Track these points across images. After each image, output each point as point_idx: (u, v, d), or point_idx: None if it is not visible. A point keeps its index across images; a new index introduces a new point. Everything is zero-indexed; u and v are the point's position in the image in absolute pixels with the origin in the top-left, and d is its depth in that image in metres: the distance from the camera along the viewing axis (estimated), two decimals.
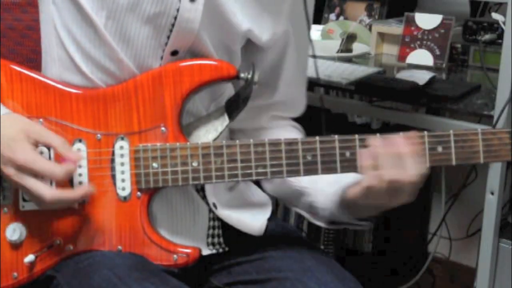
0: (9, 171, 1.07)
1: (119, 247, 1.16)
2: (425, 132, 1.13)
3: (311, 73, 1.53)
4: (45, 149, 1.12)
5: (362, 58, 2.23)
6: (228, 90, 1.29)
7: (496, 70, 1.77)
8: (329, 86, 1.99)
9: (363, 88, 1.93)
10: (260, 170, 1.14)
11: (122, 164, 1.15)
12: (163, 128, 1.15)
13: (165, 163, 1.14)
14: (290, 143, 1.13)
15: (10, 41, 1.33)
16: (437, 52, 2.12)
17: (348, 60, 2.18)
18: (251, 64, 1.23)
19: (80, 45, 1.17)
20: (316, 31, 2.32)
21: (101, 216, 1.15)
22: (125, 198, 1.15)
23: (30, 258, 1.13)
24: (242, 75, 1.17)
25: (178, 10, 1.14)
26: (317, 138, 1.14)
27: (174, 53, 1.17)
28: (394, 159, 1.09)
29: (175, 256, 1.15)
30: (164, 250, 1.16)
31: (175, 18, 1.14)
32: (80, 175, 1.14)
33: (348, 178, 1.18)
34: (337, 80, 1.93)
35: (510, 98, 1.66)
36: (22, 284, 1.15)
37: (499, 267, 1.81)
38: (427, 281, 2.52)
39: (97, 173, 1.15)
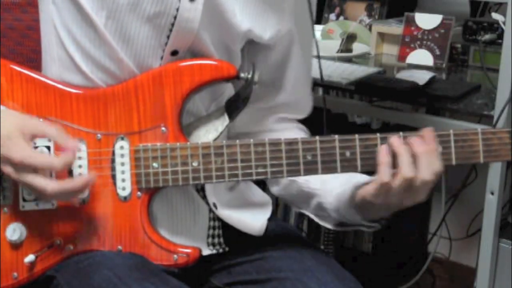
0: (8, 169, 1.07)
1: (119, 247, 1.16)
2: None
3: (314, 74, 1.53)
4: (45, 149, 1.12)
5: (362, 58, 2.23)
6: (228, 90, 1.29)
7: (496, 70, 1.78)
8: (329, 86, 1.99)
9: (363, 88, 1.93)
10: (260, 170, 1.14)
11: (122, 164, 1.15)
12: (163, 128, 1.15)
13: (165, 163, 1.14)
14: (290, 143, 1.13)
15: (10, 41, 1.33)
16: (437, 52, 2.13)
17: (348, 60, 2.18)
18: (251, 64, 1.23)
19: (80, 44, 1.17)
20: (316, 31, 2.32)
21: (101, 216, 1.15)
22: (125, 198, 1.15)
23: (30, 258, 1.13)
24: (242, 75, 1.17)
25: (177, 9, 1.14)
26: (317, 138, 1.14)
27: (174, 53, 1.17)
28: (411, 157, 1.09)
29: (175, 256, 1.15)
30: (164, 250, 1.16)
31: (175, 17, 1.14)
32: (80, 175, 1.14)
33: (360, 178, 1.18)
34: (337, 80, 1.93)
35: (510, 98, 1.66)
36: (22, 284, 1.15)
37: (499, 267, 1.81)
38: (427, 281, 2.52)
39: (97, 173, 1.14)
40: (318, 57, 1.58)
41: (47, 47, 1.21)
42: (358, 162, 1.13)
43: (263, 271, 1.24)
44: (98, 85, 1.17)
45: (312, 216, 1.31)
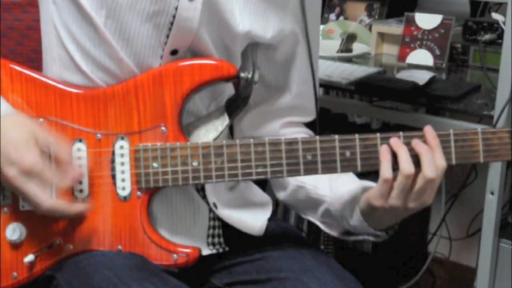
0: (12, 172, 1.06)
1: (119, 247, 1.16)
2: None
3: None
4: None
5: (362, 58, 2.23)
6: (228, 90, 1.29)
7: (496, 70, 1.78)
8: (329, 86, 1.99)
9: (363, 88, 1.93)
10: (260, 169, 1.14)
11: (122, 164, 1.15)
12: (163, 128, 1.15)
13: (165, 162, 1.14)
14: (290, 142, 1.13)
15: (10, 41, 1.34)
16: (437, 52, 2.13)
17: (348, 60, 2.18)
18: (251, 64, 1.22)
19: (80, 44, 1.17)
20: None
21: (101, 216, 1.15)
22: (125, 198, 1.15)
23: (30, 258, 1.13)
24: (242, 74, 1.17)
25: (176, 8, 1.14)
26: (317, 137, 1.14)
27: (174, 52, 1.17)
28: (410, 155, 1.10)
29: (175, 256, 1.15)
30: (164, 250, 1.15)
31: (174, 16, 1.14)
32: (81, 174, 1.14)
33: (369, 183, 1.18)
34: (337, 80, 1.93)
35: (510, 98, 1.66)
36: (22, 284, 1.15)
37: (499, 267, 1.81)
38: (427, 281, 2.52)
39: (97, 173, 1.15)
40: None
41: (47, 47, 1.21)
42: (358, 162, 1.13)
43: (263, 271, 1.23)
44: (98, 84, 1.17)
45: (318, 223, 1.31)
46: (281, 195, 1.34)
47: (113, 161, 1.15)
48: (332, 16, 2.46)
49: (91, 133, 1.15)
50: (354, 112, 2.33)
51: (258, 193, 1.38)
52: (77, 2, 1.14)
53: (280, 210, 2.32)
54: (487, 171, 1.75)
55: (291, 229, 1.50)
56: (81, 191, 1.14)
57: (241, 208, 1.30)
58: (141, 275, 1.10)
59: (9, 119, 1.09)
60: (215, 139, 1.17)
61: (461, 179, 2.14)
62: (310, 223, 2.29)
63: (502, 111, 1.67)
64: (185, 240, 1.21)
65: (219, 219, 1.27)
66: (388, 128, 2.26)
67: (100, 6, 1.13)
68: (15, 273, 1.14)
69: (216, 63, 1.16)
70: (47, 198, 1.07)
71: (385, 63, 2.20)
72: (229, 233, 1.28)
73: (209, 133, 1.18)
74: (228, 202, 1.28)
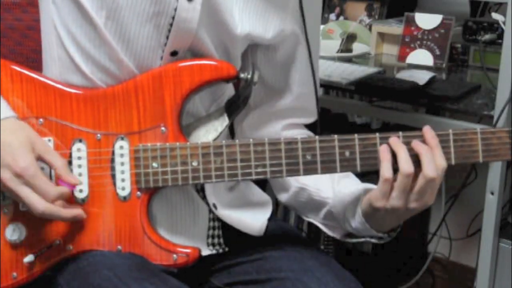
0: (6, 175, 1.06)
1: (119, 247, 1.16)
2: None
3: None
4: (47, 171, 1.12)
5: (362, 58, 2.23)
6: (229, 91, 1.29)
7: (496, 70, 1.78)
8: (329, 86, 1.99)
9: (363, 88, 1.93)
10: (259, 169, 1.14)
11: (122, 164, 1.15)
12: (163, 128, 1.15)
13: (165, 162, 1.14)
14: (290, 142, 1.13)
15: (10, 41, 1.34)
16: (437, 52, 2.13)
17: (348, 60, 2.18)
18: (251, 64, 1.22)
19: (80, 45, 1.17)
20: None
21: (100, 216, 1.15)
22: (125, 198, 1.15)
23: (29, 258, 1.13)
24: (242, 75, 1.17)
25: (175, 9, 1.14)
26: (317, 137, 1.14)
27: (174, 53, 1.17)
28: (410, 155, 1.10)
29: (174, 256, 1.15)
30: (164, 250, 1.16)
31: (173, 18, 1.14)
32: (80, 175, 1.14)
33: (369, 186, 1.18)
34: (337, 80, 1.93)
35: (510, 98, 1.66)
36: (21, 284, 1.15)
37: (499, 267, 1.81)
38: (427, 281, 2.52)
39: (97, 173, 1.15)
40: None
41: (47, 47, 1.21)
42: (358, 162, 1.13)
43: (263, 271, 1.23)
44: (98, 85, 1.17)
45: (320, 226, 1.31)
46: (283, 197, 1.34)
47: (112, 161, 1.15)
48: (332, 16, 2.46)
49: (91, 133, 1.15)
50: (354, 112, 2.33)
51: (258, 193, 1.38)
52: (77, 2, 1.14)
53: (280, 210, 2.32)
54: (487, 171, 1.75)
55: (291, 229, 1.51)
56: (81, 191, 1.14)
57: (241, 208, 1.30)
58: (141, 275, 1.10)
59: (8, 123, 1.09)
60: (215, 139, 1.17)
61: (461, 179, 2.14)
62: (310, 223, 2.29)
63: (502, 111, 1.67)
64: (184, 240, 1.21)
65: (219, 219, 1.27)
66: (388, 128, 2.26)
67: (100, 7, 1.13)
68: (15, 273, 1.14)
69: (215, 63, 1.16)
70: (41, 202, 1.07)
71: (385, 63, 2.20)
72: (229, 233, 1.28)
73: (209, 133, 1.18)
74: (228, 203, 1.28)
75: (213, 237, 1.27)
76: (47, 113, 1.15)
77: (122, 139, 1.15)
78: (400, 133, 1.13)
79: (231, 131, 1.37)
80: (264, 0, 1.22)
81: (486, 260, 1.79)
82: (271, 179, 1.27)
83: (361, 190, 1.20)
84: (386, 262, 2.43)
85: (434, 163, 1.10)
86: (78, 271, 1.13)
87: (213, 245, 1.26)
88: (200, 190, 1.25)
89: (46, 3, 1.19)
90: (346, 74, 1.97)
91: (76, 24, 1.16)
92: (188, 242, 1.21)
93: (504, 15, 1.79)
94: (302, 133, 1.35)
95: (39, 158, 1.09)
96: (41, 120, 1.15)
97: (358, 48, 2.26)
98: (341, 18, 2.44)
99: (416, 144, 1.11)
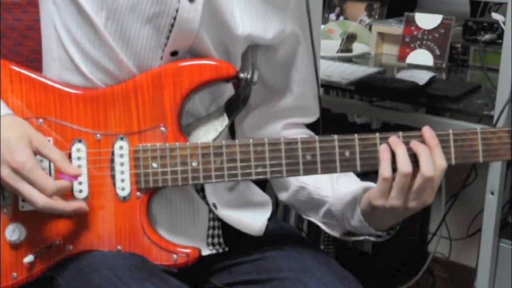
0: (4, 171, 1.06)
1: (119, 247, 1.16)
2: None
3: None
4: (46, 166, 1.12)
5: (362, 58, 2.23)
6: (229, 91, 1.28)
7: (496, 70, 1.78)
8: (329, 86, 1.99)
9: (363, 88, 1.93)
10: (259, 169, 1.14)
11: (122, 164, 1.15)
12: (162, 128, 1.15)
13: (164, 163, 1.14)
14: (290, 142, 1.13)
15: (10, 41, 1.34)
16: (437, 52, 2.13)
17: (348, 60, 2.18)
18: (251, 64, 1.22)
19: (80, 45, 1.17)
20: None
21: (100, 216, 1.15)
22: (124, 198, 1.15)
23: (29, 258, 1.13)
24: (241, 75, 1.16)
25: (177, 10, 1.14)
26: (317, 137, 1.14)
27: (174, 53, 1.17)
28: (408, 155, 1.10)
29: (174, 256, 1.15)
30: (164, 250, 1.15)
31: (174, 18, 1.14)
32: (80, 175, 1.14)
33: (369, 185, 1.19)
34: (337, 80, 1.93)
35: (510, 98, 1.66)
36: (21, 284, 1.15)
37: (499, 267, 1.81)
38: (427, 281, 2.52)
39: (96, 173, 1.15)
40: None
41: (47, 47, 1.21)
42: (358, 162, 1.13)
43: (263, 271, 1.23)
44: (98, 85, 1.17)
45: (319, 224, 1.31)
46: (283, 196, 1.34)
47: (112, 161, 1.15)
48: (332, 16, 2.46)
49: (90, 133, 1.15)
50: (354, 112, 2.33)
51: (258, 193, 1.38)
52: (77, 3, 1.14)
53: (280, 210, 2.32)
54: (487, 171, 1.75)
55: (291, 229, 1.51)
56: (80, 191, 1.14)
57: (241, 208, 1.30)
58: (141, 275, 1.10)
59: (5, 119, 1.09)
60: (215, 139, 1.17)
61: (461, 179, 2.14)
62: (310, 223, 2.30)
63: (502, 111, 1.67)
64: (184, 240, 1.21)
65: (219, 219, 1.27)
66: (388, 128, 2.26)
67: (101, 7, 1.13)
68: (14, 274, 1.14)
69: (215, 63, 1.16)
70: (41, 197, 1.07)
71: (385, 63, 2.20)
72: (229, 233, 1.28)
73: (209, 133, 1.18)
74: (228, 203, 1.28)
75: (213, 237, 1.27)
76: (47, 113, 1.15)
77: (122, 139, 1.15)
78: (400, 133, 1.13)
79: (231, 131, 1.37)
80: (265, 1, 1.22)
81: (486, 260, 1.79)
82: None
83: (360, 188, 1.20)
84: (386, 262, 2.43)
85: (432, 162, 1.10)
86: (78, 271, 1.13)
87: (213, 245, 1.26)
88: (200, 190, 1.25)
89: (46, 3, 1.19)
90: (346, 74, 1.97)
91: (76, 24, 1.16)
92: (188, 242, 1.21)
93: (504, 15, 1.79)
94: (302, 133, 1.35)
95: (37, 153, 1.09)
96: (40, 120, 1.15)
97: (358, 48, 2.26)
98: (341, 18, 2.44)
99: (415, 144, 1.11)
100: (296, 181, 1.30)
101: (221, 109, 1.20)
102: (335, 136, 1.13)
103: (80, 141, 1.15)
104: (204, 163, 1.13)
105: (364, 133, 1.13)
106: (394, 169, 1.11)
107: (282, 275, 1.20)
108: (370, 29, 2.32)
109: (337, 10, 2.46)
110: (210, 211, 1.26)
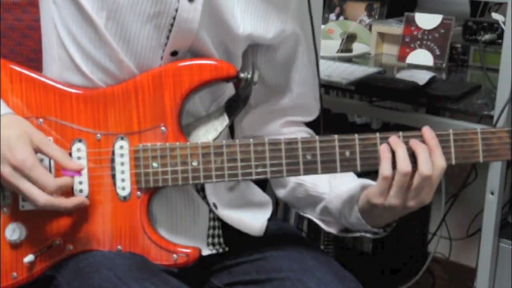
0: (5, 170, 1.06)
1: (119, 247, 1.16)
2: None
3: None
4: (46, 163, 1.12)
5: (362, 58, 2.23)
6: (229, 91, 1.29)
7: (496, 70, 1.78)
8: (329, 86, 1.99)
9: (363, 88, 1.93)
10: (260, 169, 1.14)
11: (122, 164, 1.15)
12: (163, 128, 1.15)
13: (165, 162, 1.14)
14: (290, 142, 1.13)
15: (10, 41, 1.34)
16: (437, 52, 2.13)
17: (348, 60, 2.18)
18: (251, 64, 1.22)
19: (80, 45, 1.17)
20: None
21: (101, 216, 1.15)
22: (125, 198, 1.15)
23: (29, 258, 1.13)
24: (241, 75, 1.17)
25: (176, 10, 1.14)
26: (317, 137, 1.14)
27: (174, 53, 1.17)
28: (408, 154, 1.10)
29: (175, 256, 1.15)
30: (164, 250, 1.16)
31: (174, 18, 1.14)
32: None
33: (369, 181, 1.19)
34: (337, 80, 1.93)
35: (510, 98, 1.66)
36: (21, 284, 1.15)
37: (499, 267, 1.81)
38: (427, 281, 2.52)
39: (97, 173, 1.15)
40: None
41: (47, 47, 1.21)
42: (358, 162, 1.13)
43: (263, 271, 1.23)
44: (98, 85, 1.17)
45: (316, 221, 1.31)
46: (281, 193, 1.34)
47: (112, 161, 1.15)
48: (332, 16, 2.46)
49: (90, 133, 1.15)
50: (354, 112, 2.33)
51: (258, 193, 1.38)
52: (77, 3, 1.14)
53: (280, 210, 2.32)
54: (487, 171, 1.75)
55: (291, 229, 1.51)
56: (81, 191, 1.14)
57: (241, 208, 1.30)
58: (141, 275, 1.10)
59: (5, 118, 1.09)
60: (215, 139, 1.17)
61: (461, 179, 2.14)
62: (310, 223, 2.30)
63: (502, 111, 1.67)
64: (185, 240, 1.21)
65: (219, 219, 1.27)
66: (388, 128, 2.26)
67: (101, 7, 1.13)
68: (15, 273, 1.14)
69: (215, 63, 1.16)
70: (42, 195, 1.07)
71: (385, 63, 2.20)
72: (229, 233, 1.28)
73: (209, 133, 1.18)
74: (228, 202, 1.28)
75: (213, 237, 1.27)
76: (47, 113, 1.15)
77: (122, 139, 1.15)
78: (400, 133, 1.13)
79: (231, 130, 1.37)
80: (266, 1, 1.22)
81: (486, 260, 1.79)
82: None
83: (358, 187, 1.20)
84: (386, 262, 2.43)
85: (430, 161, 1.10)
86: (78, 271, 1.13)
87: (213, 245, 1.26)
88: (200, 190, 1.25)
89: (47, 3, 1.19)
90: (346, 74, 1.97)
91: (77, 24, 1.16)
92: (188, 242, 1.21)
93: (504, 15, 1.79)
94: (301, 131, 1.36)
95: (38, 151, 1.09)
96: (40, 120, 1.15)
97: (358, 48, 2.26)
98: (341, 18, 2.44)
99: (414, 143, 1.12)
100: (294, 178, 1.30)
101: (221, 109, 1.20)
102: (335, 136, 1.13)
103: (80, 140, 1.15)
104: (205, 162, 1.13)
105: (364, 133, 1.13)
106: (393, 168, 1.11)
107: (282, 275, 1.20)
108: (370, 29, 2.32)
109: (337, 10, 2.46)
110: (210, 211, 1.26)
